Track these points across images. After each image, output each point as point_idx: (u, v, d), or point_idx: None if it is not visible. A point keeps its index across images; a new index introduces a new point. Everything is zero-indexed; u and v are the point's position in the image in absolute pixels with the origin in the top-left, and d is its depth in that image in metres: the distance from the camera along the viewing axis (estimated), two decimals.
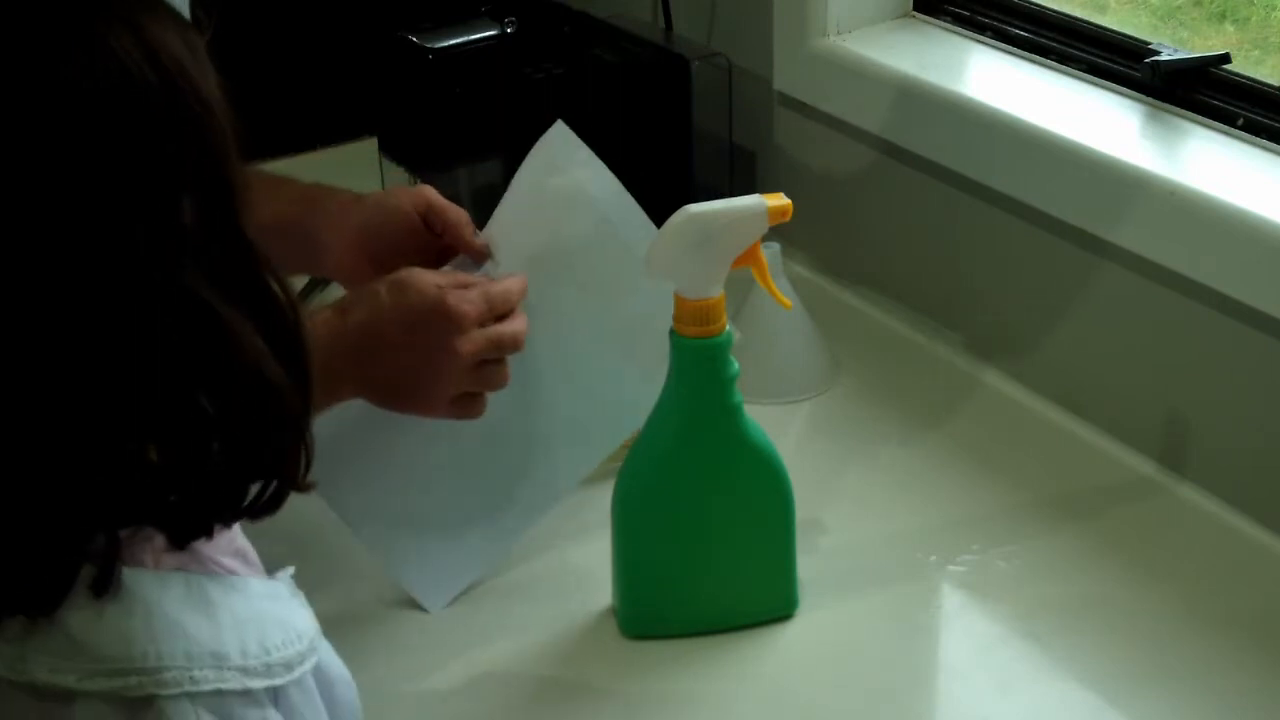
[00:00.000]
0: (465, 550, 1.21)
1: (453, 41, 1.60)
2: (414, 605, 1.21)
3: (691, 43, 1.69)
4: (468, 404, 1.15)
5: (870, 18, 1.60)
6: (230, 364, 0.73)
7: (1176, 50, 1.40)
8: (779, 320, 1.43)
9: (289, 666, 0.79)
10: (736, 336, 1.13)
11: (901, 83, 1.51)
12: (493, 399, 1.16)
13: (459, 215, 1.23)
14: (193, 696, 0.75)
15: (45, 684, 0.74)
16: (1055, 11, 1.52)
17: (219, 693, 0.75)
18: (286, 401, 0.76)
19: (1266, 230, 1.23)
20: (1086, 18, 1.50)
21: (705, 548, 1.16)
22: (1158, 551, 1.27)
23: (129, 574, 0.76)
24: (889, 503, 1.32)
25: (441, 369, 1.12)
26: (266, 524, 0.80)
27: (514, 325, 1.15)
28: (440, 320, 1.11)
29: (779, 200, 1.12)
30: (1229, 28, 1.54)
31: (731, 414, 1.14)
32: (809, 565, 1.20)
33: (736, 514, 1.16)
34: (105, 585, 0.75)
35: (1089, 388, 1.41)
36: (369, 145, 1.70)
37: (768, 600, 1.19)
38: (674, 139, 1.63)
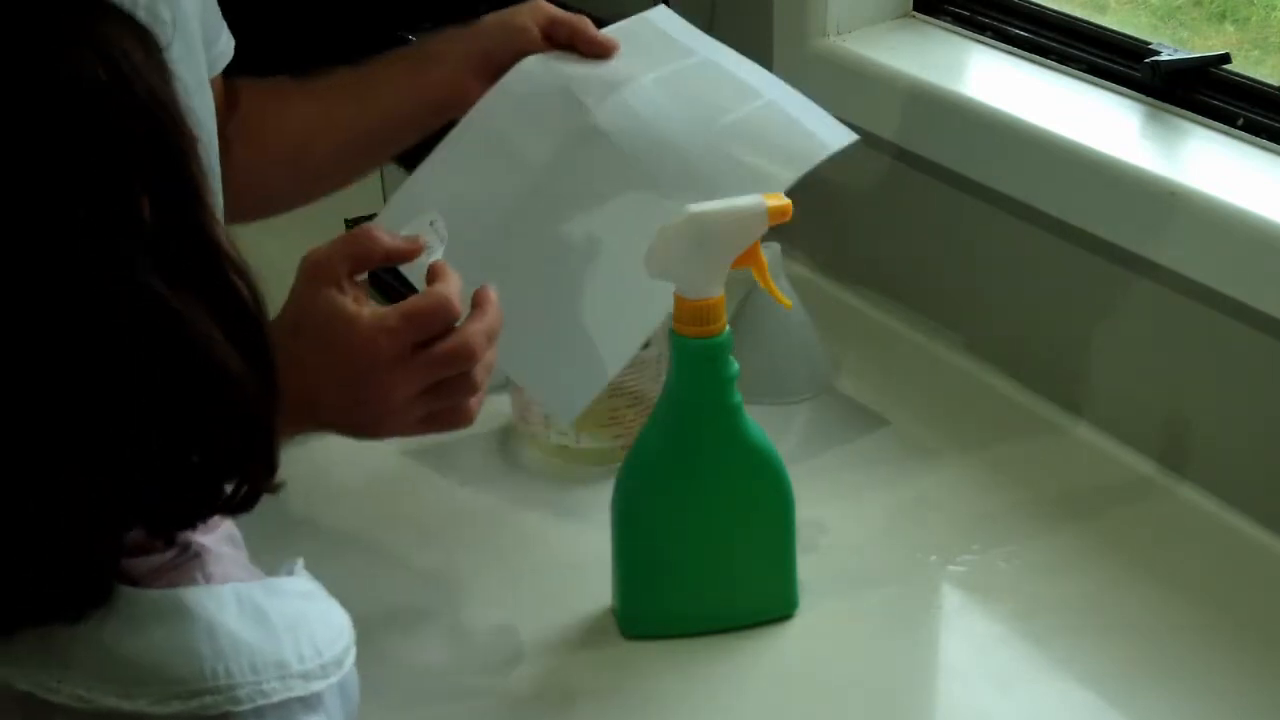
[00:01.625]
0: (588, 363, 1.22)
1: None
2: (409, 606, 1.21)
3: None
4: (444, 418, 1.08)
5: (870, 18, 1.60)
6: (187, 359, 0.74)
7: (1176, 50, 1.40)
8: (779, 320, 1.43)
9: (339, 664, 0.80)
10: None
11: (901, 83, 1.51)
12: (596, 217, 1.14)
13: (582, 21, 1.23)
14: (262, 710, 0.76)
15: (113, 710, 0.74)
16: (1055, 11, 1.52)
17: (285, 703, 0.77)
18: (248, 395, 0.76)
19: (1266, 230, 1.23)
20: (1086, 18, 1.50)
21: (705, 548, 1.16)
22: (1158, 551, 1.27)
23: (185, 594, 0.77)
24: (889, 503, 1.32)
25: (385, 403, 1.05)
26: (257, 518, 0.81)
27: (461, 338, 1.05)
28: (362, 359, 1.04)
29: (779, 200, 1.12)
30: (1229, 28, 1.54)
31: (731, 414, 1.14)
32: (809, 565, 1.20)
33: (736, 514, 1.16)
34: (102, 594, 0.75)
35: (1089, 388, 1.41)
36: None
37: (768, 600, 1.19)
38: None
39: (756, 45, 1.65)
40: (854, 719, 1.13)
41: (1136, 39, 1.45)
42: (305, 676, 0.78)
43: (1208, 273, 1.28)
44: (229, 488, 0.78)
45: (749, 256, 1.12)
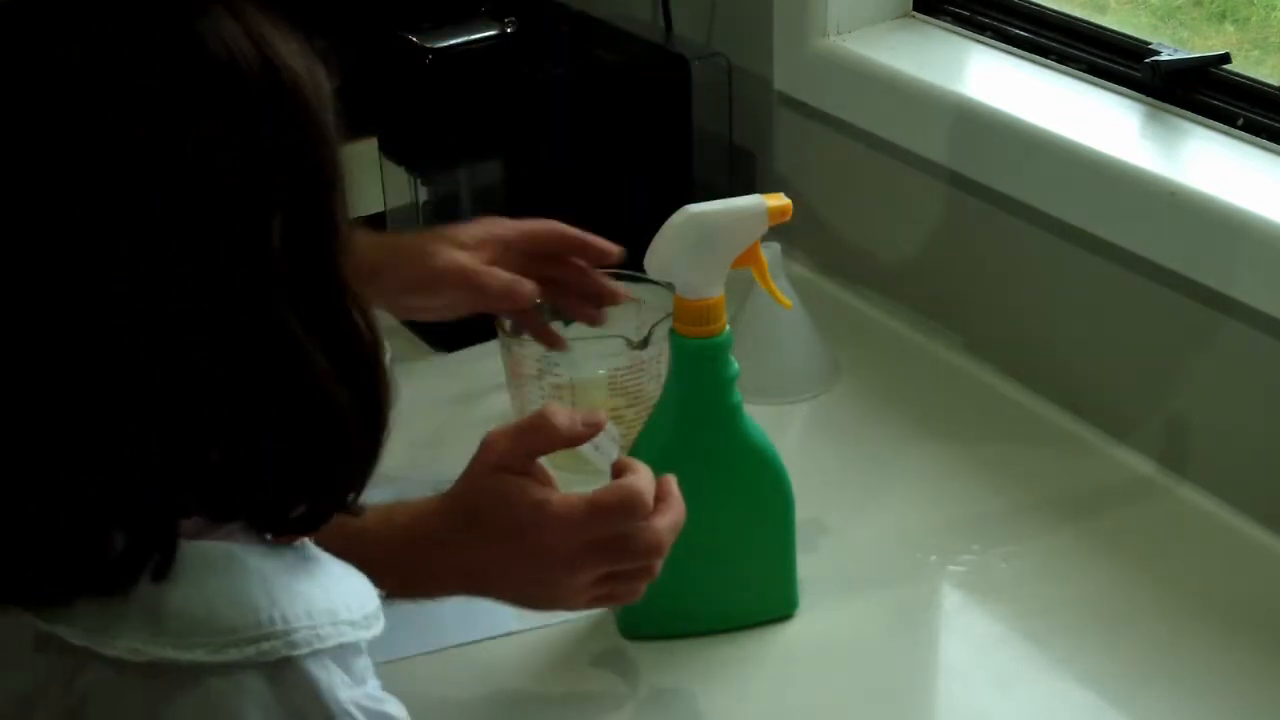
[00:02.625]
0: None
1: (453, 41, 1.60)
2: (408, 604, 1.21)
3: (691, 43, 1.69)
4: (617, 598, 1.07)
5: (870, 18, 1.60)
6: (298, 386, 0.77)
7: (1176, 50, 1.40)
8: (779, 320, 1.43)
9: (377, 618, 0.82)
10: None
11: (901, 83, 1.51)
12: None
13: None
14: (319, 654, 0.77)
15: (170, 661, 0.75)
16: (1055, 11, 1.52)
17: (340, 647, 0.78)
18: (351, 430, 0.79)
19: (1266, 230, 1.23)
20: (1086, 18, 1.50)
21: (705, 548, 1.15)
22: (1158, 551, 1.27)
23: (235, 546, 0.79)
24: (889, 503, 1.32)
25: (560, 585, 1.05)
26: None
27: (652, 535, 1.04)
28: (544, 544, 1.03)
29: (779, 200, 1.12)
30: (1229, 28, 1.54)
31: (731, 414, 1.14)
32: (809, 565, 1.20)
33: (736, 514, 1.16)
34: (168, 563, 0.77)
35: (1089, 387, 1.41)
36: (369, 146, 1.69)
37: (768, 600, 1.19)
38: (674, 139, 1.63)
39: (756, 45, 1.65)
40: (854, 719, 1.13)
41: (1136, 39, 1.44)
42: (353, 625, 0.79)
43: (1208, 273, 1.28)
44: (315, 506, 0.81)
45: (749, 256, 1.13)
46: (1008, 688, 1.15)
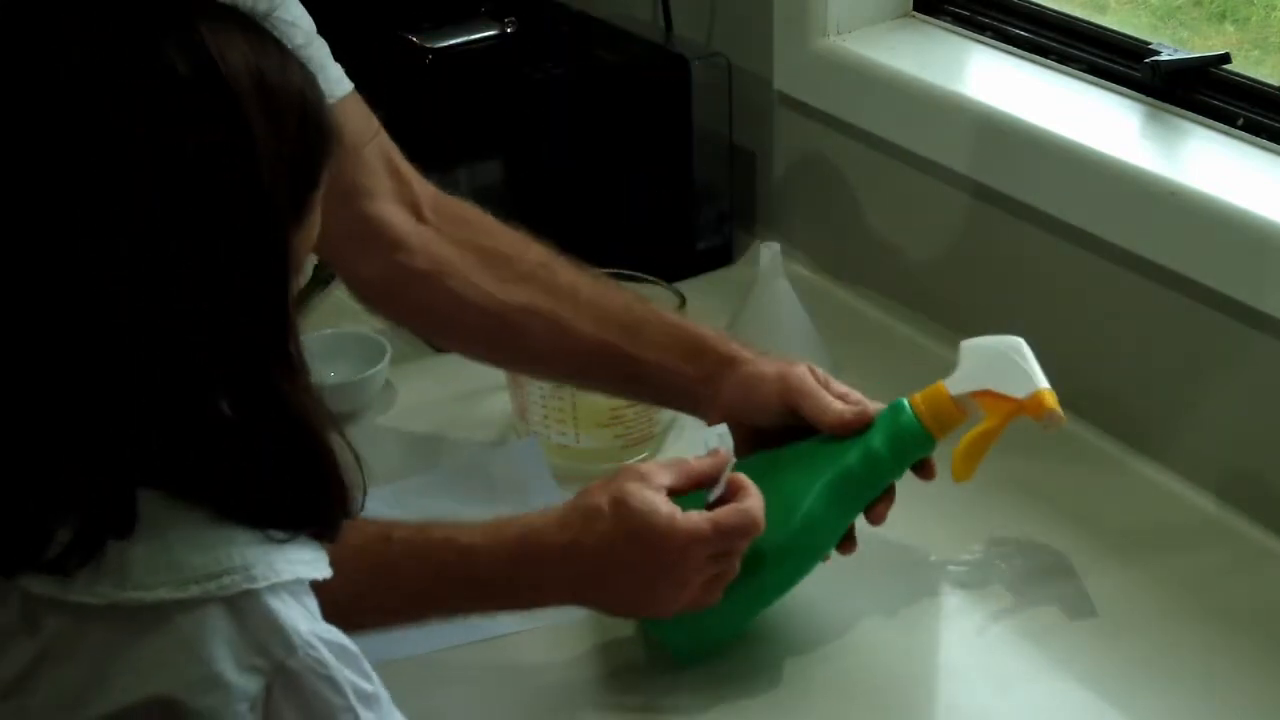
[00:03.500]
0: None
1: (453, 41, 1.60)
2: None
3: (691, 43, 1.69)
4: (705, 594, 1.11)
5: (870, 18, 1.60)
6: (295, 384, 0.81)
7: (1176, 50, 1.40)
8: (779, 320, 1.43)
9: (324, 560, 0.85)
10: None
11: (901, 83, 1.51)
12: None
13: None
14: (276, 587, 0.80)
15: (134, 602, 0.78)
16: (1055, 11, 1.52)
17: (297, 581, 0.82)
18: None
19: (1266, 230, 1.23)
20: (1086, 18, 1.50)
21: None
22: (1157, 551, 1.27)
23: (183, 504, 0.81)
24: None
25: (670, 587, 1.10)
26: None
27: (742, 513, 1.09)
28: (668, 547, 1.08)
29: (1053, 399, 1.16)
30: (1229, 28, 1.54)
31: (861, 492, 1.17)
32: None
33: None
34: (131, 524, 0.79)
35: (1089, 387, 1.41)
36: None
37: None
38: (674, 139, 1.63)
39: (756, 45, 1.65)
40: (854, 719, 1.13)
41: (1136, 39, 1.45)
42: (305, 563, 0.83)
43: (1208, 272, 1.28)
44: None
45: (994, 407, 1.16)
46: (1008, 688, 1.15)
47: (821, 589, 1.20)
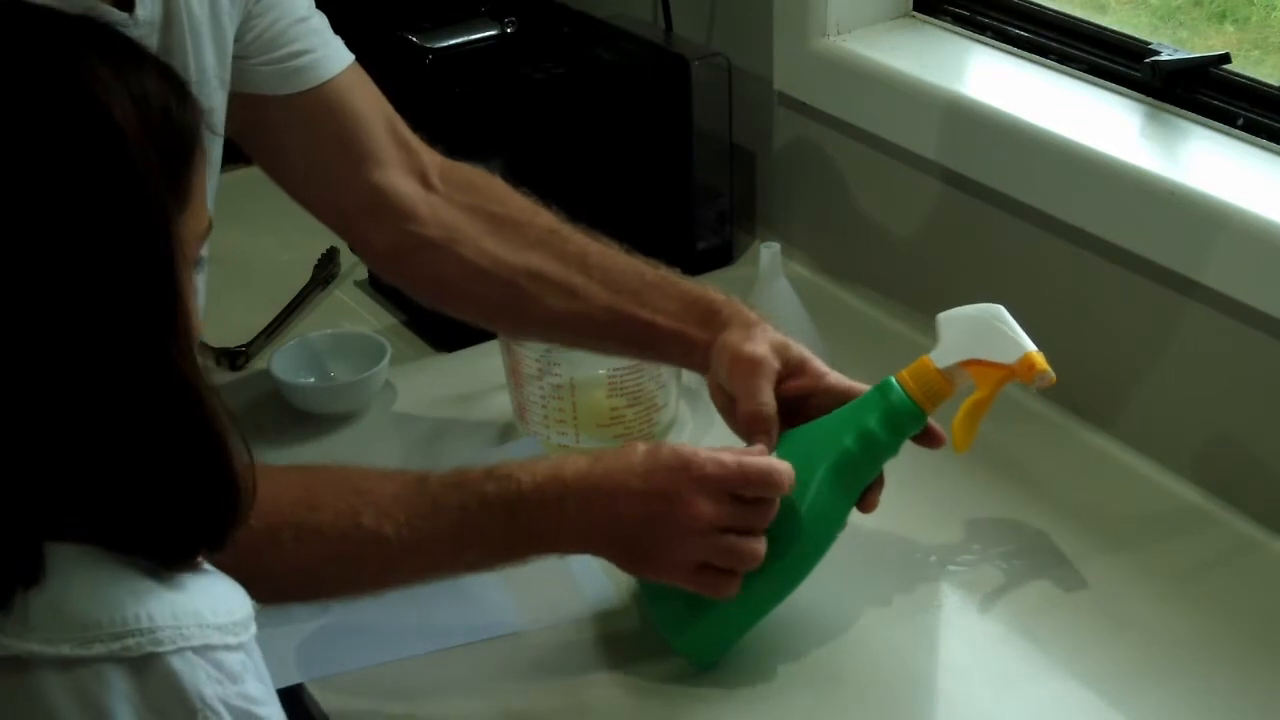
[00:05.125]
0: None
1: (453, 41, 1.60)
2: (409, 604, 1.21)
3: (691, 43, 1.69)
4: (714, 579, 1.11)
5: (870, 18, 1.60)
6: (172, 417, 0.82)
7: (1176, 50, 1.40)
8: (779, 320, 1.43)
9: (246, 626, 0.85)
10: None
11: (901, 83, 1.51)
12: None
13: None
14: (184, 651, 0.80)
15: (37, 655, 0.78)
16: (1055, 11, 1.52)
17: (207, 646, 0.81)
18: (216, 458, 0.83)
19: (1266, 230, 1.23)
20: (1086, 18, 1.50)
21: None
22: (1157, 551, 1.27)
23: (99, 551, 0.81)
24: (889, 502, 1.32)
25: (677, 528, 1.09)
26: None
27: (769, 510, 1.10)
28: (681, 472, 1.09)
29: (1041, 359, 1.16)
30: (1229, 28, 1.54)
31: (859, 475, 1.16)
32: None
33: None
34: (38, 574, 0.80)
35: (1090, 387, 1.41)
36: None
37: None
38: (674, 139, 1.63)
39: (756, 45, 1.65)
40: (854, 718, 1.13)
41: (1136, 39, 1.45)
42: (220, 629, 0.83)
43: (1207, 272, 1.28)
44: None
45: (984, 375, 1.16)
46: (1008, 688, 1.15)
47: (822, 588, 1.20)
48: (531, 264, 1.28)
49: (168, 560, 0.83)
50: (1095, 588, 1.23)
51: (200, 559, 0.85)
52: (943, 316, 1.19)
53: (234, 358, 1.54)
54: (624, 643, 1.18)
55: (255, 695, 0.83)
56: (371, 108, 1.29)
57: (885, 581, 1.24)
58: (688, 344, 1.25)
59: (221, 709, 0.80)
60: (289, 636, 1.18)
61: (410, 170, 1.31)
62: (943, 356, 1.17)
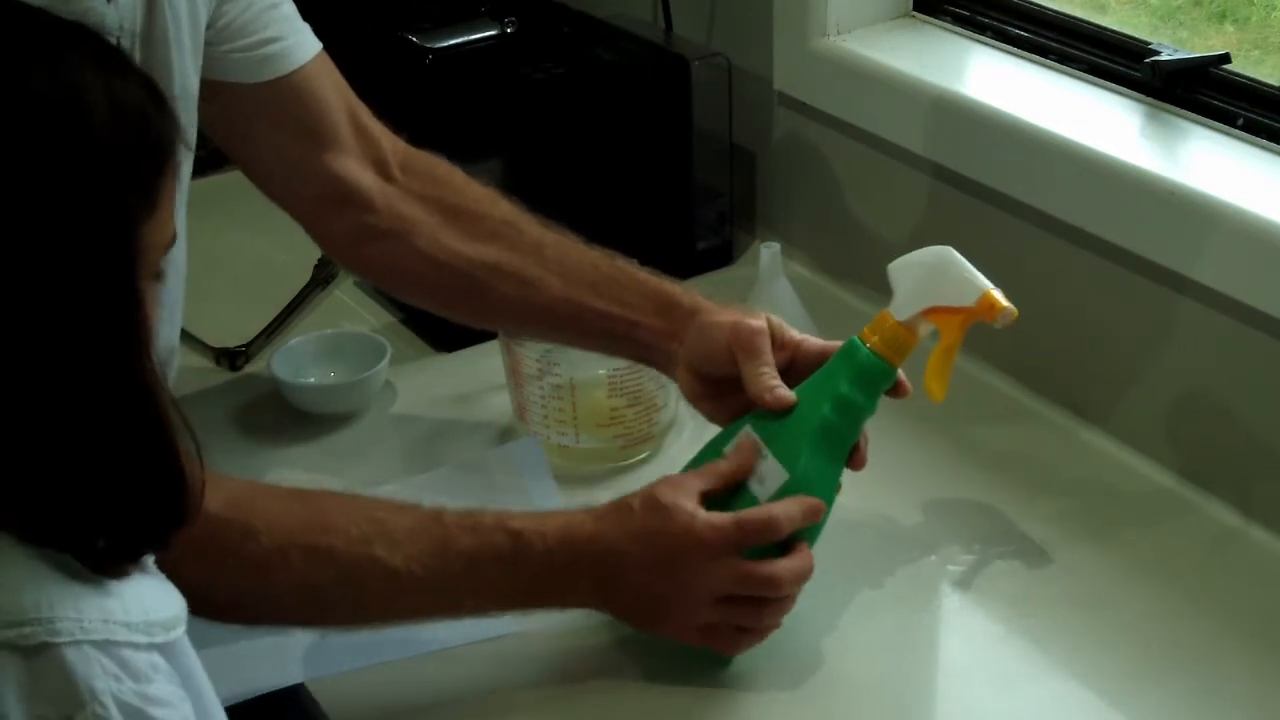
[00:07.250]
0: None
1: (453, 41, 1.60)
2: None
3: (691, 43, 1.69)
4: (721, 636, 1.13)
5: (870, 18, 1.60)
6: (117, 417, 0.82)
7: (1176, 50, 1.40)
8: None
9: (167, 628, 0.85)
10: None
11: (901, 83, 1.51)
12: None
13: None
14: (81, 645, 0.80)
15: None
16: (1055, 11, 1.52)
17: (109, 642, 0.81)
18: (157, 465, 0.83)
19: (1266, 230, 1.23)
20: (1086, 18, 1.50)
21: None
22: (1158, 551, 1.27)
23: (16, 543, 0.81)
24: (889, 502, 1.32)
25: (683, 596, 1.11)
26: None
27: (773, 567, 1.11)
28: (685, 544, 1.10)
29: (1001, 297, 1.15)
30: (1229, 28, 1.54)
31: (842, 436, 1.16)
32: None
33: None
34: None
35: (1089, 387, 1.41)
36: None
37: None
38: (674, 139, 1.63)
39: (756, 45, 1.65)
40: (854, 718, 1.13)
41: (1136, 39, 1.45)
42: (129, 626, 0.82)
43: (1207, 272, 1.28)
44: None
45: (947, 321, 1.15)
46: (1008, 688, 1.15)
47: (822, 588, 1.20)
48: (488, 256, 1.29)
49: (100, 561, 0.83)
50: (1095, 588, 1.23)
51: (131, 565, 0.84)
52: (893, 266, 1.17)
53: (234, 358, 1.54)
54: (625, 644, 1.18)
55: (158, 696, 0.82)
56: (335, 96, 1.30)
57: (884, 581, 1.24)
58: (645, 334, 1.25)
59: (111, 704, 0.80)
60: (289, 636, 1.18)
61: (369, 160, 1.31)
62: (901, 309, 1.15)
